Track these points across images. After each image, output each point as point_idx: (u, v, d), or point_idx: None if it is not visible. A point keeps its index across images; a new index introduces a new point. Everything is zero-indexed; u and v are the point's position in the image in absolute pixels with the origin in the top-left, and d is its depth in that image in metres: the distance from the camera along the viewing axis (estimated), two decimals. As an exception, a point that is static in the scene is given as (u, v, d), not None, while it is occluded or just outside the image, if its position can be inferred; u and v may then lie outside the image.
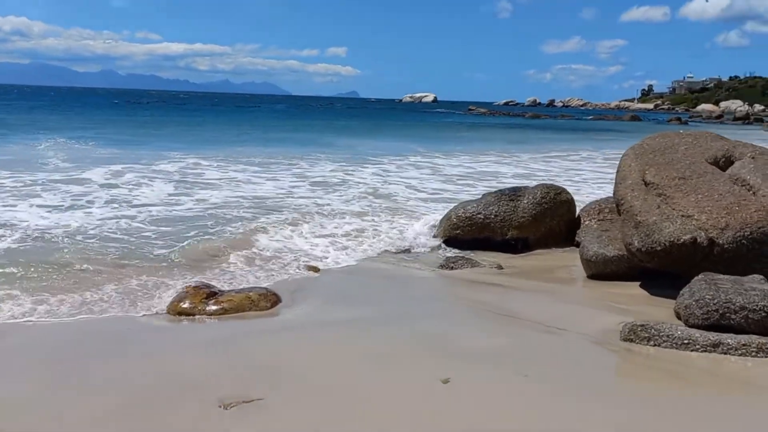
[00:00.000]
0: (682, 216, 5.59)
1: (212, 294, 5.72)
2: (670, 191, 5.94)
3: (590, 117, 78.29)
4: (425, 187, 13.03)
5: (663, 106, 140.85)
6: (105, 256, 6.52)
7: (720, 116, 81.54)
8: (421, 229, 9.04)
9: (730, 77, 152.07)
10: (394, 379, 3.84)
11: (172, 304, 5.51)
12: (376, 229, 8.79)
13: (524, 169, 17.26)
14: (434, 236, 8.72)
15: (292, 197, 10.98)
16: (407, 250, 8.04)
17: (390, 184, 13.19)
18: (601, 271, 6.49)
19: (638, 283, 6.17)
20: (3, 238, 7.10)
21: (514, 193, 8.76)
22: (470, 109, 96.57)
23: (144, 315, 5.12)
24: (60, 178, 12.07)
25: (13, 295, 5.21)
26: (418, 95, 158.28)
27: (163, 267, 6.29)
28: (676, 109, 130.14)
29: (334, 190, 11.89)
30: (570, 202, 8.86)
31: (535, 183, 10.05)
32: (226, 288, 5.94)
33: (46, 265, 6.02)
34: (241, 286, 6.01)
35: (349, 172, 14.61)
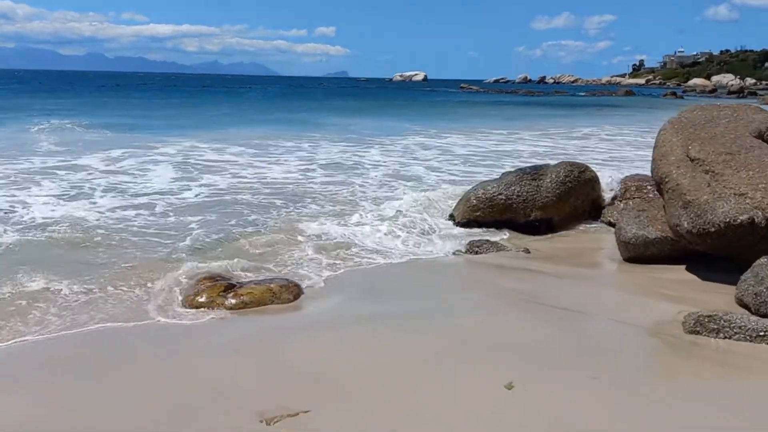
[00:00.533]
0: (735, 194, 5.20)
1: (230, 286, 5.30)
2: (718, 167, 5.53)
3: (584, 93, 77.73)
4: (448, 168, 12.50)
5: (654, 81, 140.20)
6: (117, 251, 6.09)
7: (714, 90, 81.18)
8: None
9: (721, 51, 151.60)
10: (451, 385, 3.44)
11: (187, 298, 5.08)
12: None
13: (533, 146, 16.82)
14: (450, 217, 8.30)
15: (312, 182, 10.43)
16: (426, 233, 7.62)
17: (408, 165, 12.69)
18: (641, 253, 6.10)
19: (683, 266, 5.79)
20: (7, 233, 6.62)
21: (536, 171, 8.35)
22: (462, 87, 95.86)
23: (162, 313, 4.68)
24: (57, 164, 11.54)
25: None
26: (408, 74, 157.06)
27: (177, 260, 5.83)
28: (668, 83, 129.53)
29: (356, 174, 11.31)
30: (594, 180, 8.46)
31: (549, 161, 9.71)
32: (244, 279, 5.51)
33: (57, 263, 5.55)
34: (260, 277, 5.58)
35: (358, 154, 14.10)
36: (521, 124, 25.16)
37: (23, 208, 7.81)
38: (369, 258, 6.29)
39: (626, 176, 8.92)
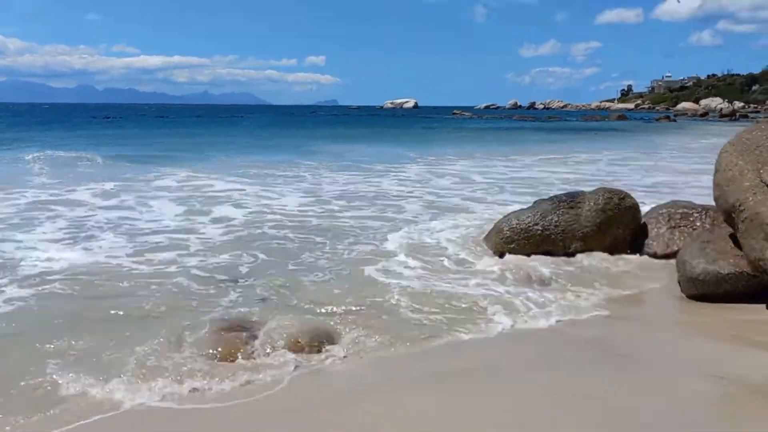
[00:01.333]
0: (829, 224, 4.56)
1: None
2: (801, 194, 4.90)
3: (576, 118, 77.88)
4: (481, 196, 11.83)
5: (644, 106, 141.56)
6: (165, 306, 5.18)
7: (705, 114, 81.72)
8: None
9: (708, 75, 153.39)
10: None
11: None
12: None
13: (551, 173, 16.22)
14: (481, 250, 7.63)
15: (337, 215, 9.63)
16: (459, 267, 6.92)
17: (440, 195, 11.99)
18: (711, 291, 5.43)
19: (762, 305, 5.13)
20: (12, 285, 5.75)
21: (573, 199, 7.71)
22: (455, 113, 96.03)
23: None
24: (52, 198, 10.81)
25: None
26: (398, 101, 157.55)
27: (261, 317, 4.89)
28: (657, 108, 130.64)
29: (386, 206, 10.59)
30: (635, 208, 7.83)
31: (579, 188, 9.11)
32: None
33: (84, 328, 4.63)
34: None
35: (371, 182, 13.40)
36: (529, 149, 24.73)
37: (27, 253, 6.84)
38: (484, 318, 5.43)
39: (666, 203, 8.30)
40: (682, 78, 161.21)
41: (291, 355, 4.14)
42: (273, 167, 16.50)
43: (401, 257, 6.99)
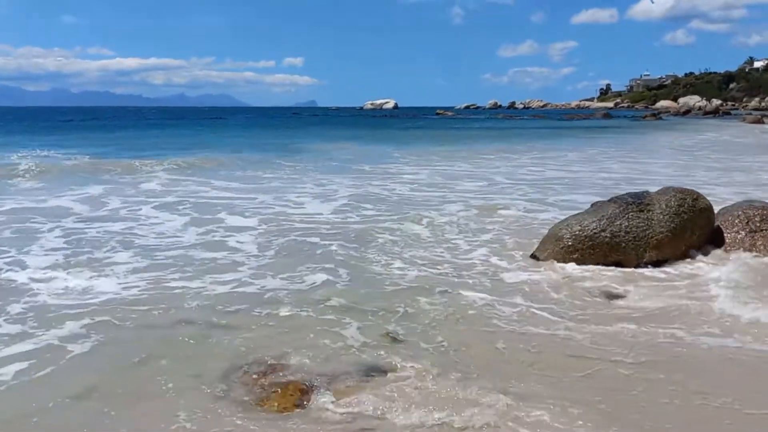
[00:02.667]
0: None
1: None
2: None
3: (560, 116, 77.56)
4: (540, 198, 10.85)
5: (623, 104, 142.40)
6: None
7: (688, 111, 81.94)
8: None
9: (686, 74, 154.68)
10: None
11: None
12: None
13: (571, 173, 15.37)
14: (533, 257, 6.69)
15: (371, 221, 8.64)
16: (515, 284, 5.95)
17: (486, 194, 11.05)
18: None
19: None
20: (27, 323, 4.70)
21: (641, 201, 6.80)
22: (438, 113, 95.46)
23: None
24: (37, 206, 9.66)
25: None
26: (378, 102, 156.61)
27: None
28: (636, 106, 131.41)
29: (420, 207, 9.65)
30: (709, 210, 6.95)
31: (615, 190, 8.25)
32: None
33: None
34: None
35: (388, 187, 12.36)
36: (539, 146, 24.00)
37: (44, 284, 5.60)
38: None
39: (740, 203, 7.43)
40: (659, 76, 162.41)
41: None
42: (264, 168, 15.46)
43: (463, 277, 6.04)
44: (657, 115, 67.24)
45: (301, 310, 4.89)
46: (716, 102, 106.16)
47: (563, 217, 7.22)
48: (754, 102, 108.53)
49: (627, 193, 7.17)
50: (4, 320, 4.65)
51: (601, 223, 6.57)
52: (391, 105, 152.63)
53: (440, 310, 4.90)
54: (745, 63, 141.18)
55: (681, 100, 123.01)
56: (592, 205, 7.20)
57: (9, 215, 8.91)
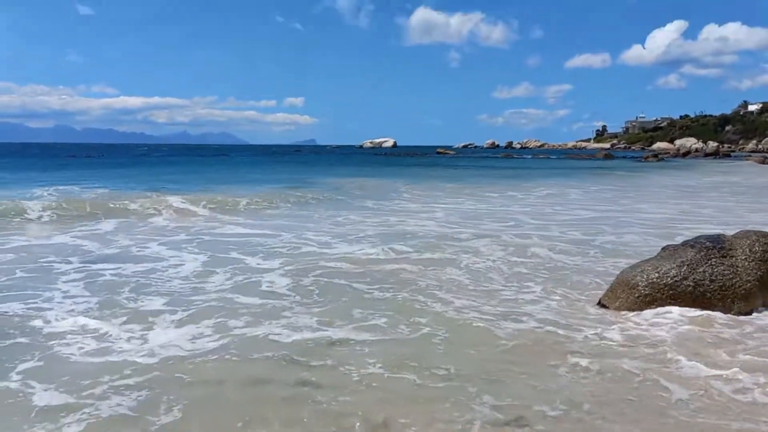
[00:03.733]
0: None
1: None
2: None
3: (558, 156, 77.58)
4: (578, 238, 10.19)
5: (619, 145, 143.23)
6: None
7: (687, 153, 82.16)
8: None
9: (681, 116, 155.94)
10: None
11: None
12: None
13: (599, 212, 14.77)
14: (600, 305, 6.05)
15: (418, 262, 8.00)
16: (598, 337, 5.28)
17: (517, 234, 10.42)
18: None
19: None
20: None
21: (721, 246, 6.19)
22: (438, 152, 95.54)
23: None
24: (54, 243, 8.98)
25: None
26: (378, 140, 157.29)
27: None
28: (632, 147, 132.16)
29: (457, 248, 8.98)
30: (795, 256, 6.34)
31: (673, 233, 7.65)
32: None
33: None
34: None
35: (418, 224, 11.76)
36: (552, 183, 23.44)
37: (73, 335, 4.90)
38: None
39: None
40: (655, 118, 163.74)
41: None
42: (278, 204, 14.85)
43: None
44: (657, 156, 67.28)
45: (387, 367, 4.23)
46: (713, 144, 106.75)
47: (610, 261, 6.64)
48: (751, 144, 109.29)
49: (701, 236, 6.57)
50: (57, 389, 3.88)
51: (682, 270, 5.95)
52: (390, 143, 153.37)
53: (567, 384, 4.16)
54: (740, 106, 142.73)
55: (677, 142, 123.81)
56: (663, 249, 6.59)
57: (18, 253, 8.24)
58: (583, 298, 6.45)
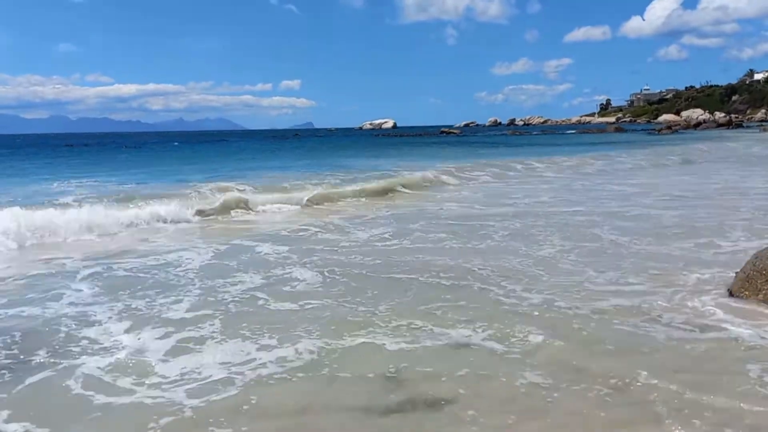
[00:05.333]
0: None
1: None
2: None
3: (573, 131, 76.68)
4: (679, 216, 9.40)
5: (625, 119, 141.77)
6: None
7: (698, 124, 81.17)
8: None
9: (686, 87, 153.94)
10: None
11: None
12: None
13: (685, 188, 14.04)
14: (730, 294, 5.29)
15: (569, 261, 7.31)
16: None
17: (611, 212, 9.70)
18: None
19: None
20: None
21: None
22: (443, 132, 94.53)
23: None
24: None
25: None
26: (377, 122, 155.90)
27: None
28: (638, 120, 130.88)
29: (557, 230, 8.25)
30: None
31: None
32: None
33: None
34: None
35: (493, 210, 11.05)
36: (596, 156, 22.70)
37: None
38: None
39: None
40: (660, 90, 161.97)
41: None
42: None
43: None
44: (671, 128, 66.44)
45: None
46: (720, 115, 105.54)
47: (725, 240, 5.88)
48: (761, 114, 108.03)
49: None
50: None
51: None
52: (390, 125, 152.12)
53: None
54: (746, 75, 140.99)
55: (684, 114, 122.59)
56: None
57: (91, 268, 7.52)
58: (707, 286, 5.65)
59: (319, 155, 33.43)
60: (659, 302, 5.03)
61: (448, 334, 4.30)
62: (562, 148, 35.94)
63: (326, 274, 6.11)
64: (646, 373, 3.54)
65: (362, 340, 4.23)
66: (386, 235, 8.17)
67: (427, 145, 44.59)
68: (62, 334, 4.44)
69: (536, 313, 4.76)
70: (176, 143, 63.00)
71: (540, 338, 4.22)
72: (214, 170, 20.53)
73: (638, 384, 3.42)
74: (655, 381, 3.44)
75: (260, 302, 5.21)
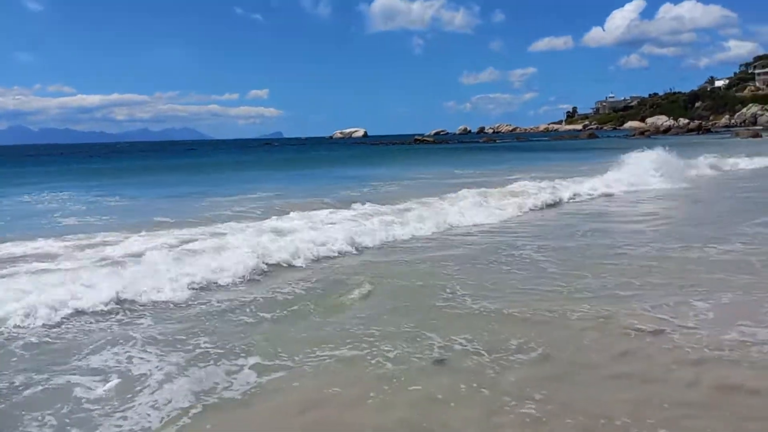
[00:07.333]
0: None
1: None
2: None
3: (546, 138, 77.23)
4: None
5: (591, 126, 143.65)
6: None
7: (667, 130, 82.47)
8: None
9: (650, 94, 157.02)
10: None
11: None
12: None
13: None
14: None
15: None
16: None
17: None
18: None
19: None
20: None
21: None
22: (416, 140, 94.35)
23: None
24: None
25: None
26: (348, 131, 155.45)
27: None
28: (604, 127, 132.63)
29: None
30: None
31: None
32: None
33: None
34: None
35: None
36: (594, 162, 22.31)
37: None
38: None
39: None
40: (624, 98, 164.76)
41: None
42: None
43: None
44: (644, 133, 67.39)
45: None
46: (684, 121, 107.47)
47: None
48: (724, 119, 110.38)
49: None
50: None
51: None
52: (360, 134, 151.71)
53: None
54: (707, 82, 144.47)
55: (649, 120, 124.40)
56: None
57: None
58: None
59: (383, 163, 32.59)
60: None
61: None
62: (590, 152, 35.59)
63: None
64: None
65: None
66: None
67: (431, 152, 44.01)
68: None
69: None
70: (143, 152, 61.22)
71: None
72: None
73: None
74: None
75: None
